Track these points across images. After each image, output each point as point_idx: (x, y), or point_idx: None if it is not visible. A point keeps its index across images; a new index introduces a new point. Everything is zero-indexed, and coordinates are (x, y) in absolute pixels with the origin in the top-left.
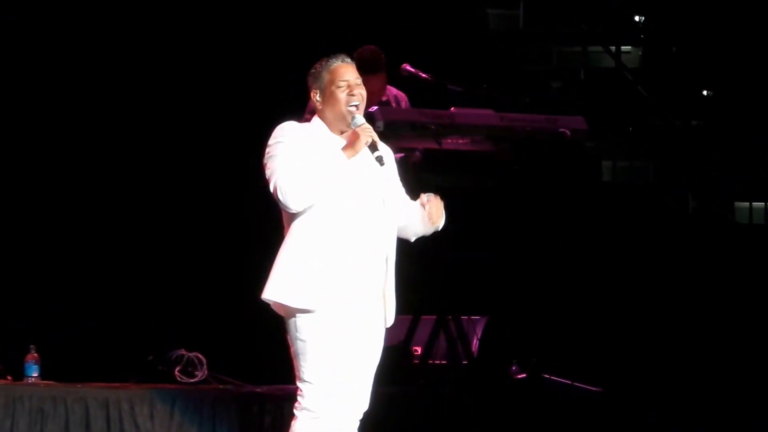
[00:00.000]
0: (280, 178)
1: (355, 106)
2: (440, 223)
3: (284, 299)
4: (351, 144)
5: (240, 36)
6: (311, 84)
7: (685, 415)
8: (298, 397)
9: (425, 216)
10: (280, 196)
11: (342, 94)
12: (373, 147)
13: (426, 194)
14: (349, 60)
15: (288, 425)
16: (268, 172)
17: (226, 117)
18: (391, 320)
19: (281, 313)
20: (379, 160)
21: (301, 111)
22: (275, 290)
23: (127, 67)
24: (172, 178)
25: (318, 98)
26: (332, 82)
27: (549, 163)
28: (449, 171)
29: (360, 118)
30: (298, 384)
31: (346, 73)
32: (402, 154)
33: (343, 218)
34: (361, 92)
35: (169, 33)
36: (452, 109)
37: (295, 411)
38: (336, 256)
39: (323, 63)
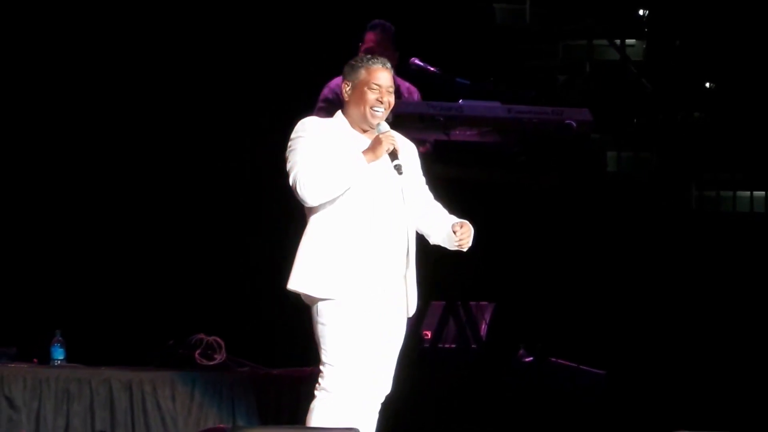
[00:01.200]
0: (299, 172)
1: (379, 111)
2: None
3: (308, 290)
4: (373, 149)
5: (251, 28)
6: (346, 74)
7: (686, 398)
8: (319, 378)
9: (454, 240)
10: (297, 190)
11: (371, 96)
12: (393, 155)
13: (458, 222)
14: (389, 65)
15: (303, 406)
16: (288, 165)
17: (244, 108)
18: (413, 310)
19: (304, 299)
20: (398, 168)
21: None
22: (299, 281)
23: (138, 65)
24: (193, 167)
25: (348, 90)
26: (366, 81)
27: (555, 154)
28: (457, 162)
29: (384, 125)
30: (320, 366)
31: (381, 77)
32: (427, 147)
33: (363, 209)
34: (390, 100)
35: (173, 31)
36: (460, 101)
37: (315, 391)
38: (357, 246)
39: (364, 60)
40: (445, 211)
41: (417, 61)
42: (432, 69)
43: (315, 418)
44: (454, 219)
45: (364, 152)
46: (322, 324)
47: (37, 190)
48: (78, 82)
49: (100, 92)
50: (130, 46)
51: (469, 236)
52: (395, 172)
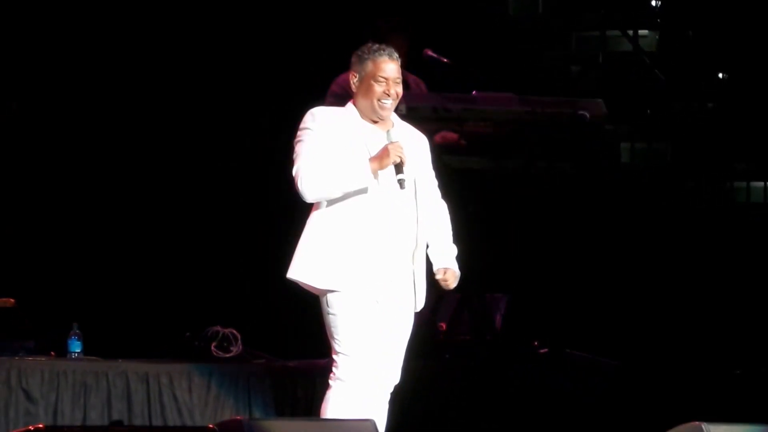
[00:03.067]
0: (302, 167)
1: (387, 103)
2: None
3: (308, 279)
4: (380, 158)
5: (252, 27)
6: (353, 64)
7: (701, 389)
8: (333, 368)
9: (437, 278)
10: (297, 183)
11: (379, 89)
12: (398, 168)
13: (442, 268)
14: (395, 56)
15: (319, 397)
16: (294, 156)
17: (251, 101)
18: (420, 305)
19: (311, 290)
20: (400, 183)
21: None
22: (298, 270)
23: (149, 67)
24: (208, 161)
25: (356, 82)
26: (373, 74)
27: (569, 145)
28: (471, 154)
29: (394, 135)
30: (333, 356)
31: (388, 69)
32: (441, 137)
33: (370, 200)
34: (397, 90)
35: (177, 32)
36: (474, 93)
37: (329, 381)
38: (361, 237)
39: (371, 50)
40: (444, 225)
41: (430, 52)
42: (445, 60)
43: (331, 408)
44: (446, 242)
45: (371, 160)
46: (333, 314)
47: (54, 184)
48: (92, 81)
49: (119, 90)
50: (138, 49)
51: (453, 279)
52: (397, 186)
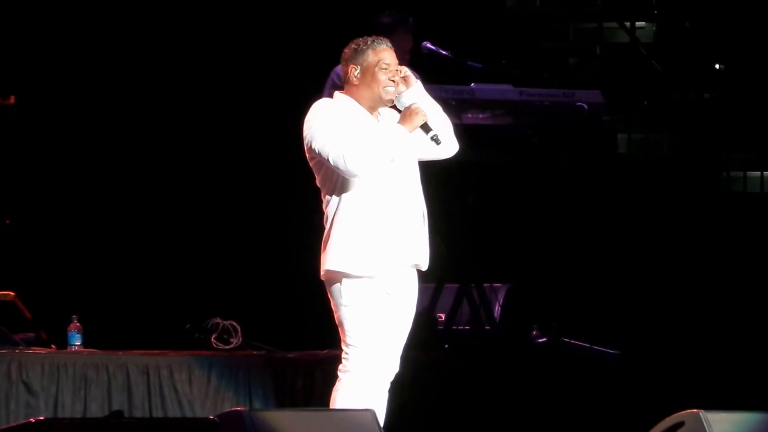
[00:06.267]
0: (341, 147)
1: (392, 89)
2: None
3: (348, 269)
4: (409, 120)
5: (263, 15)
6: (350, 58)
7: (701, 377)
8: (343, 360)
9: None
10: (345, 163)
11: (383, 77)
12: (425, 127)
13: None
14: (390, 44)
15: (319, 388)
16: (319, 145)
17: (251, 95)
18: (425, 265)
19: (329, 283)
20: (435, 139)
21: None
22: (337, 262)
23: (157, 66)
24: (207, 159)
25: (356, 74)
26: (376, 63)
27: (567, 136)
28: (470, 145)
29: (408, 97)
30: (344, 347)
31: (389, 57)
32: None
33: (383, 188)
34: (397, 78)
35: (180, 29)
36: (472, 85)
37: (339, 373)
38: (385, 224)
39: (368, 42)
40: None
41: (429, 45)
42: (444, 52)
43: (341, 400)
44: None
45: (401, 123)
46: (345, 306)
47: (54, 177)
48: (91, 75)
49: (117, 83)
50: (139, 49)
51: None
52: (433, 143)
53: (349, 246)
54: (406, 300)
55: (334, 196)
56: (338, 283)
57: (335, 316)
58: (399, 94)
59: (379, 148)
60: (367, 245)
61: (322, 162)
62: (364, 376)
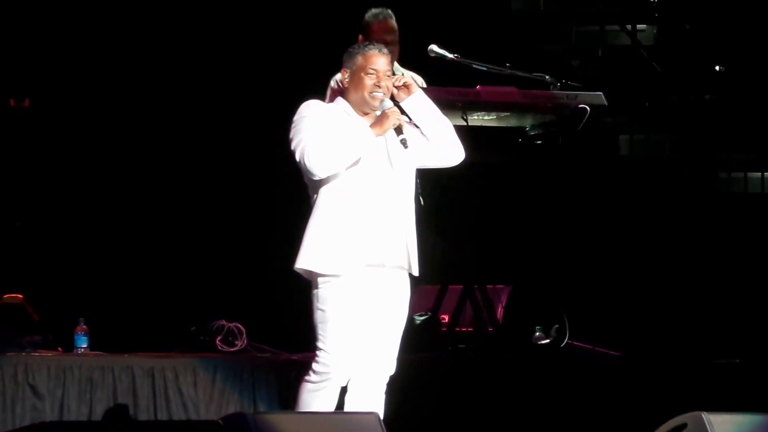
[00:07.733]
0: (306, 146)
1: (379, 95)
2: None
3: (315, 267)
4: (380, 123)
5: (264, 17)
6: (344, 61)
7: (703, 379)
8: (312, 363)
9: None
10: (306, 162)
11: (369, 82)
12: (398, 130)
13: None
14: (385, 51)
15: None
16: (293, 144)
17: (252, 97)
18: (416, 270)
19: (310, 278)
20: (403, 143)
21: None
22: (306, 260)
23: (161, 68)
24: (208, 158)
25: (346, 77)
26: (363, 67)
27: (570, 137)
28: (475, 146)
29: (389, 102)
30: (316, 350)
31: (378, 62)
32: None
33: (363, 189)
34: (388, 84)
35: (180, 29)
36: (478, 87)
37: (306, 376)
38: (359, 225)
39: (360, 46)
40: None
41: (435, 48)
42: (450, 55)
43: (300, 401)
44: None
45: (372, 126)
46: (322, 310)
47: (60, 181)
48: (96, 77)
49: (121, 85)
50: (140, 49)
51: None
52: (401, 146)
53: (318, 245)
54: (388, 301)
55: (315, 196)
56: (317, 287)
57: (312, 317)
58: (383, 100)
59: (340, 150)
60: (334, 244)
61: None
62: (327, 380)
